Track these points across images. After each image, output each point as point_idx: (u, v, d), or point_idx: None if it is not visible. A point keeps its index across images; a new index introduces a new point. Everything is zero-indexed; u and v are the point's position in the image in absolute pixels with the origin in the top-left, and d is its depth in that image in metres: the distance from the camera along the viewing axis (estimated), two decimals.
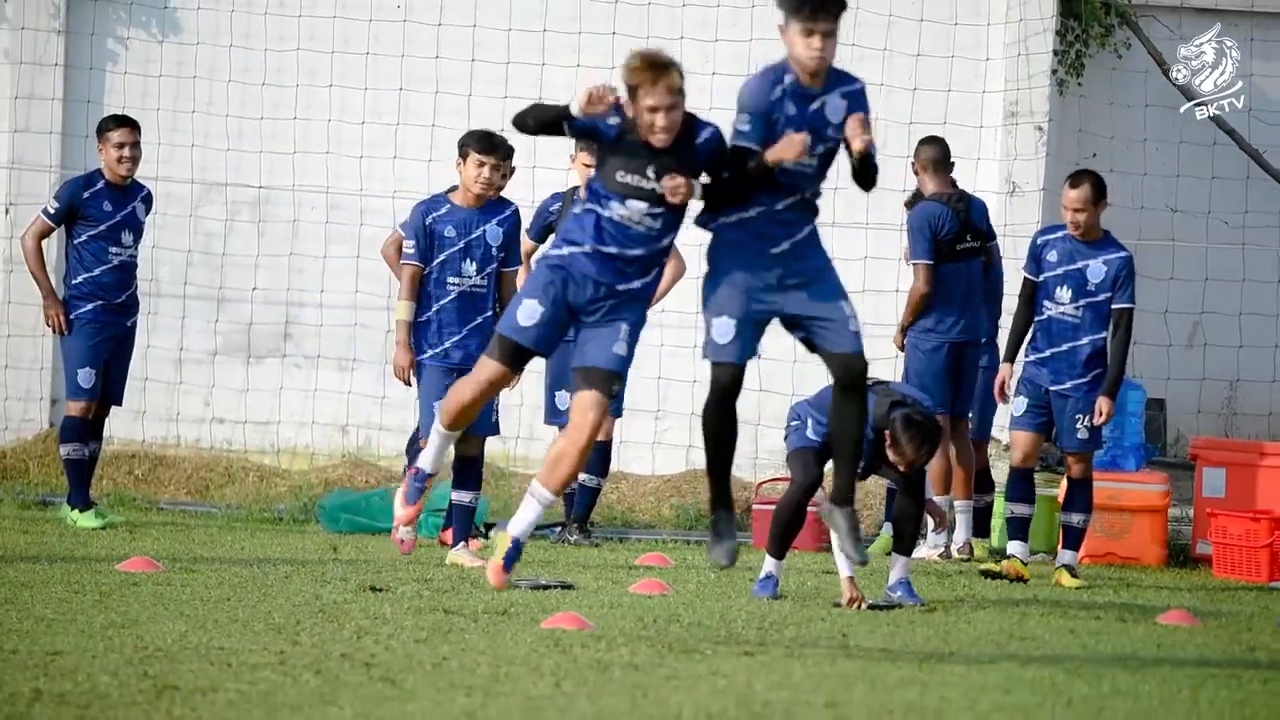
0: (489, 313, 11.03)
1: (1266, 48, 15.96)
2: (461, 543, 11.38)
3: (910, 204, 12.72)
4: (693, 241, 12.04)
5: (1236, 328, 15.11)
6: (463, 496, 11.49)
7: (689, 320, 12.99)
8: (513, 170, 11.31)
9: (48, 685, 6.59)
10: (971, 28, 14.83)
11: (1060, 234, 11.52)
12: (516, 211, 11.11)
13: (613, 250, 7.26)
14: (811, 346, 7.92)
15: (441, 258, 10.99)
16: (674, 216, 7.59)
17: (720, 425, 7.67)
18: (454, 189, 11.22)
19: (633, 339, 7.02)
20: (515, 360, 7.53)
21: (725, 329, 7.61)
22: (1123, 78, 15.33)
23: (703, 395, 7.66)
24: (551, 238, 10.87)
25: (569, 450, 6.84)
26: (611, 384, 6.85)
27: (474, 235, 10.96)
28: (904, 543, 10.23)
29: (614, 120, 7.17)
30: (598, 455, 12.10)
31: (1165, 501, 12.53)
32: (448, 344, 10.88)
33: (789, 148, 7.46)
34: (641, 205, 7.24)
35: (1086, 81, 15.11)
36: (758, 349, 8.14)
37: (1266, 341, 15.07)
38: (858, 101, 7.90)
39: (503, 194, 11.13)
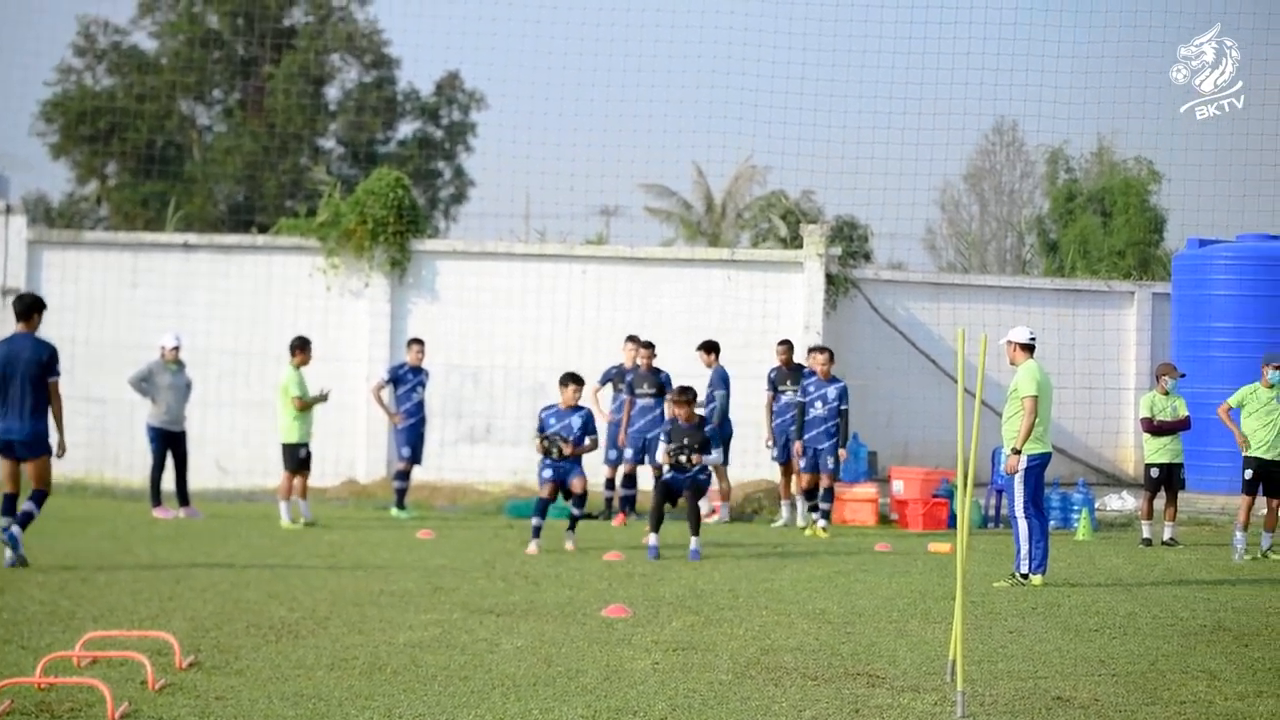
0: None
1: (975, 293, 20.76)
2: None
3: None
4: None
5: (907, 421, 20.72)
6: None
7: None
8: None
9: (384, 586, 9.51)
10: (780, 285, 19.05)
11: (814, 378, 15.62)
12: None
13: None
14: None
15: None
16: None
17: None
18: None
19: None
20: None
21: None
22: (862, 312, 20.45)
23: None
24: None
25: None
26: None
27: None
28: (694, 525, 13.70)
29: None
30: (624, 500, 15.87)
31: (876, 496, 17.41)
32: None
33: None
34: None
35: (841, 312, 20.24)
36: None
37: (918, 426, 20.33)
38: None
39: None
